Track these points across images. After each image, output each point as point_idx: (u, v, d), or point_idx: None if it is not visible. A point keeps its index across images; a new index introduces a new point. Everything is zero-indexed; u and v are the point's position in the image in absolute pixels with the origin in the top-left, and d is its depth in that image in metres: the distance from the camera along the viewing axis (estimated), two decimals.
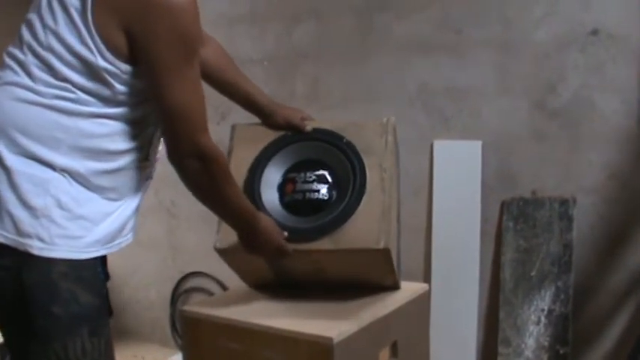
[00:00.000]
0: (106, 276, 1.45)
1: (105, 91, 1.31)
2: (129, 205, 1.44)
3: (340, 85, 2.83)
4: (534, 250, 2.41)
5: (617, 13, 2.25)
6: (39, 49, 1.30)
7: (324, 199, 1.74)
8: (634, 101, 2.24)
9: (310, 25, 2.89)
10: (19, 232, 1.27)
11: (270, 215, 1.69)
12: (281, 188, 1.79)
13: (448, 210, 2.59)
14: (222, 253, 1.72)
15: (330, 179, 1.76)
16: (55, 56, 1.28)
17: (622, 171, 2.29)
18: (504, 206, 2.49)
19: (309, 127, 1.84)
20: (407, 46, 2.66)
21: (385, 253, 1.64)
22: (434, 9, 2.58)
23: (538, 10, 2.38)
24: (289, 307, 1.75)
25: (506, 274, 2.46)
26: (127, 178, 1.42)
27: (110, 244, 1.40)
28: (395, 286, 1.87)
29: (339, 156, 1.77)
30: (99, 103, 1.32)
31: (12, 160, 1.28)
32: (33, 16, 1.33)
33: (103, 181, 1.36)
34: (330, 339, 1.47)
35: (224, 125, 2.83)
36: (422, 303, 1.94)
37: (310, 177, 1.76)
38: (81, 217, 1.32)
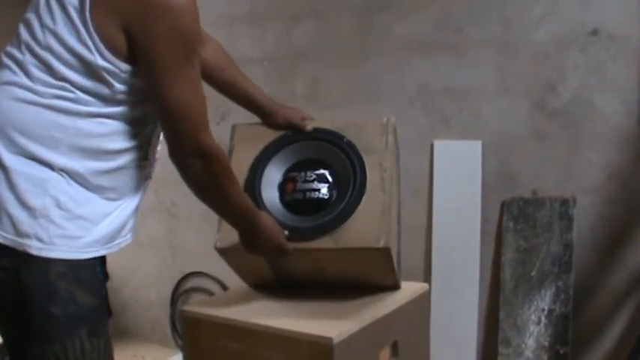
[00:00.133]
0: (106, 276, 1.45)
1: (104, 90, 1.31)
2: (128, 205, 1.44)
3: (340, 85, 2.83)
4: (534, 250, 2.41)
5: (617, 13, 2.25)
6: (37, 49, 1.29)
7: (324, 199, 1.74)
8: (634, 101, 2.24)
9: (310, 25, 2.89)
10: (18, 232, 1.26)
11: (270, 214, 1.69)
12: (281, 187, 1.79)
13: (448, 210, 2.59)
14: (223, 252, 1.72)
15: (330, 178, 1.77)
16: (54, 55, 1.28)
17: (622, 171, 2.29)
18: (504, 206, 2.49)
19: (309, 126, 1.84)
20: (407, 46, 2.66)
21: (385, 252, 1.64)
22: (434, 9, 2.58)
23: (538, 10, 2.38)
24: (289, 307, 1.75)
25: (507, 274, 2.46)
26: (127, 178, 1.42)
27: (109, 245, 1.40)
28: (395, 286, 1.87)
29: (340, 155, 1.77)
30: (98, 103, 1.31)
31: (10, 159, 1.28)
32: (31, 16, 1.33)
33: (102, 181, 1.36)
34: (331, 339, 1.47)
35: (224, 125, 2.83)
36: (422, 303, 1.94)
37: (311, 176, 1.76)
38: (80, 217, 1.32)
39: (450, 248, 2.59)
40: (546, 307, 2.37)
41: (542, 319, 2.37)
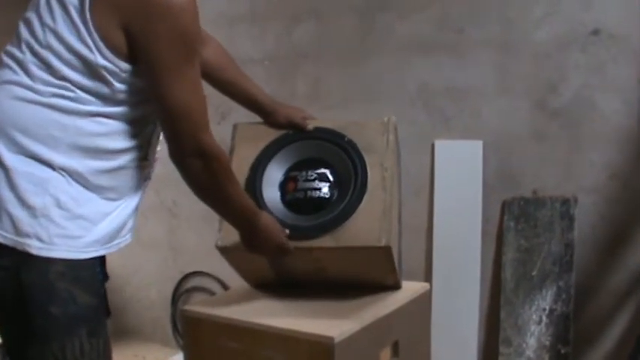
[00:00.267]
0: (105, 276, 1.45)
1: (104, 90, 1.31)
2: (128, 205, 1.44)
3: (341, 85, 2.83)
4: (535, 250, 2.41)
5: (618, 13, 2.25)
6: (37, 48, 1.29)
7: (325, 198, 1.74)
8: (635, 101, 2.24)
9: (311, 24, 2.89)
10: (18, 231, 1.26)
11: (271, 213, 1.69)
12: (282, 186, 1.79)
13: (449, 210, 2.59)
14: (224, 251, 1.72)
15: (331, 178, 1.77)
16: (54, 55, 1.28)
17: (623, 171, 2.29)
18: (505, 206, 2.49)
19: (310, 125, 1.84)
20: (407, 46, 2.66)
21: (386, 250, 1.64)
22: (434, 9, 2.58)
23: (539, 9, 2.38)
24: (290, 306, 1.75)
25: (508, 273, 2.46)
26: (127, 178, 1.42)
27: (109, 244, 1.40)
28: (396, 286, 1.87)
29: (341, 154, 1.77)
30: (98, 102, 1.31)
31: (11, 159, 1.28)
32: (31, 15, 1.33)
33: (102, 181, 1.36)
34: (331, 338, 1.47)
35: (225, 125, 2.83)
36: (423, 303, 1.94)
37: (311, 175, 1.77)
38: (80, 217, 1.32)
39: (450, 248, 2.59)
40: (547, 307, 2.37)
41: (544, 318, 2.37)
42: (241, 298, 1.83)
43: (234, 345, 1.63)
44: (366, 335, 1.60)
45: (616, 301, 2.33)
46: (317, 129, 1.84)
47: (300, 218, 1.73)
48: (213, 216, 1.60)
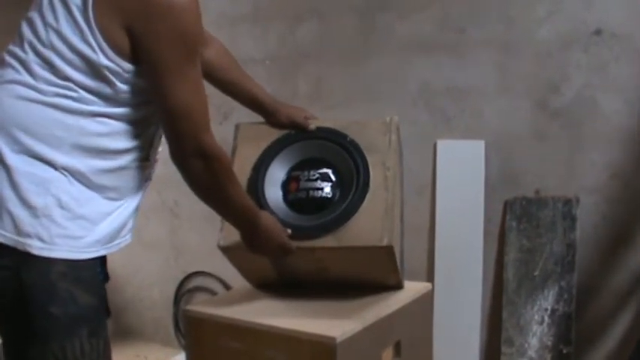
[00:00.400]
0: (106, 277, 1.45)
1: (107, 90, 1.31)
2: (129, 205, 1.44)
3: (342, 85, 2.83)
4: (537, 250, 2.41)
5: (620, 12, 2.25)
6: (40, 47, 1.29)
7: (327, 197, 1.74)
8: (637, 101, 2.24)
9: (312, 24, 2.89)
10: (19, 231, 1.26)
11: (273, 213, 1.69)
12: (285, 186, 1.79)
13: (451, 209, 2.59)
14: (226, 250, 1.72)
15: (333, 177, 1.77)
16: (57, 54, 1.28)
17: (624, 171, 2.29)
18: (507, 206, 2.49)
19: (312, 125, 1.84)
20: (409, 45, 2.66)
21: (388, 250, 1.64)
22: (435, 9, 2.58)
23: (541, 9, 2.38)
24: (292, 306, 1.75)
25: (510, 273, 2.46)
26: (128, 178, 1.42)
27: (110, 245, 1.40)
28: (398, 286, 1.87)
29: (343, 154, 1.77)
30: (101, 102, 1.31)
31: (13, 158, 1.28)
32: (34, 14, 1.33)
33: (105, 180, 1.36)
34: (333, 338, 1.47)
35: (227, 125, 2.83)
36: (425, 302, 1.94)
37: (314, 175, 1.77)
38: (81, 217, 1.32)
39: (452, 248, 2.59)
40: (549, 307, 2.37)
41: (546, 318, 2.37)
42: (243, 298, 1.83)
43: (237, 345, 1.63)
44: (368, 335, 1.59)
45: (618, 301, 2.33)
46: (319, 129, 1.84)
47: (303, 218, 1.72)
48: (215, 216, 1.60)
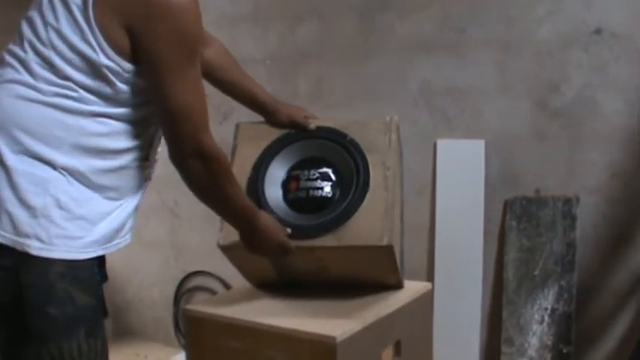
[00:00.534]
0: (104, 277, 1.45)
1: (107, 90, 1.31)
2: (128, 205, 1.44)
3: (343, 85, 2.83)
4: (537, 250, 2.41)
5: (620, 12, 2.25)
6: (40, 47, 1.29)
7: (327, 197, 1.74)
8: (637, 101, 2.24)
9: (312, 24, 2.89)
10: (18, 231, 1.26)
11: (273, 213, 1.69)
12: (285, 186, 1.79)
13: (451, 209, 2.59)
14: (226, 250, 1.72)
15: (333, 177, 1.77)
16: (57, 54, 1.28)
17: (625, 170, 2.28)
18: (507, 205, 2.49)
19: (312, 125, 1.84)
20: (409, 45, 2.66)
21: (388, 250, 1.64)
22: (435, 8, 2.58)
23: (541, 9, 2.38)
24: (292, 306, 1.75)
25: (510, 273, 2.46)
26: (128, 178, 1.42)
27: (108, 245, 1.40)
28: (398, 285, 1.87)
29: (343, 154, 1.77)
30: (101, 102, 1.31)
31: (12, 158, 1.28)
32: (34, 14, 1.33)
33: (104, 180, 1.36)
34: (333, 338, 1.47)
35: (227, 124, 2.83)
36: (425, 302, 1.94)
37: (314, 175, 1.77)
38: (80, 218, 1.32)
39: (452, 247, 2.59)
40: (549, 307, 2.37)
41: (546, 318, 2.37)
42: (243, 298, 1.83)
43: (237, 344, 1.64)
44: (368, 335, 1.60)
45: (618, 300, 2.33)
46: (319, 128, 1.84)
47: (303, 217, 1.73)
48: (215, 216, 1.60)
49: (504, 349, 2.44)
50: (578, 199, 2.35)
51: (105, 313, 1.42)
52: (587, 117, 2.33)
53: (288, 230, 1.66)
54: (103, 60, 1.27)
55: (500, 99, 2.48)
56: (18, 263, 1.27)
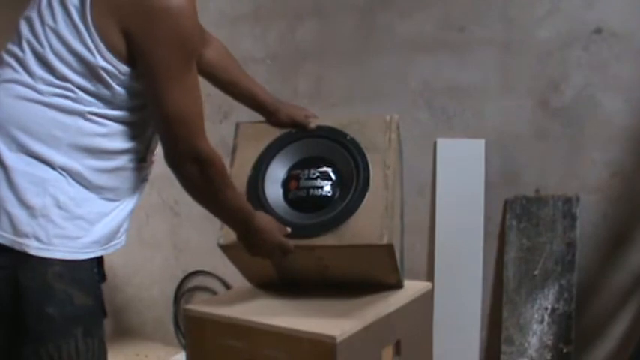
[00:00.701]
0: (103, 277, 1.45)
1: (104, 92, 1.31)
2: (125, 206, 1.44)
3: (343, 84, 2.83)
4: (537, 249, 2.41)
5: (620, 11, 2.24)
6: (38, 47, 1.29)
7: (327, 196, 1.74)
8: (637, 100, 2.24)
9: (313, 23, 2.89)
10: (17, 231, 1.26)
11: (273, 212, 1.70)
12: (285, 185, 1.79)
13: (451, 208, 2.59)
14: (226, 249, 1.73)
15: (333, 176, 1.77)
16: (55, 55, 1.28)
17: (625, 170, 2.28)
18: (507, 205, 2.49)
19: (312, 124, 1.84)
20: (409, 44, 2.65)
21: (388, 248, 1.64)
22: (436, 8, 2.58)
23: (541, 8, 2.38)
24: (292, 305, 1.75)
25: (510, 272, 2.46)
26: (125, 179, 1.42)
27: (106, 245, 1.40)
28: (398, 285, 1.87)
29: (343, 153, 1.77)
30: (99, 103, 1.31)
31: (11, 158, 1.28)
32: (33, 14, 1.33)
33: (102, 181, 1.36)
34: (334, 337, 1.47)
35: (227, 124, 2.83)
36: (425, 301, 1.94)
37: (314, 174, 1.77)
38: (79, 218, 1.32)
39: (453, 247, 2.59)
40: (549, 306, 2.37)
41: (546, 317, 2.37)
42: (243, 297, 1.83)
43: (237, 344, 1.64)
44: (368, 334, 1.60)
45: (618, 299, 2.33)
46: (319, 127, 1.84)
47: (303, 216, 1.73)
48: None
49: (504, 348, 2.44)
50: (578, 199, 2.35)
51: (104, 313, 1.42)
52: (587, 116, 2.32)
53: (288, 229, 1.66)
54: (100, 62, 1.27)
55: (501, 98, 2.48)
56: (16, 263, 1.27)
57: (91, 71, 1.28)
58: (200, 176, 1.38)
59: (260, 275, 1.90)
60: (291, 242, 1.65)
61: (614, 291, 2.33)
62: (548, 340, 2.36)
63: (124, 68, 1.30)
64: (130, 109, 1.36)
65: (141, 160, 1.45)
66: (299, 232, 1.67)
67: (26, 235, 1.26)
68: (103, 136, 1.34)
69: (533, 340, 2.38)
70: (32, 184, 1.27)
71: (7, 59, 1.33)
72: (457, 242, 2.57)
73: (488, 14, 2.47)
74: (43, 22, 1.30)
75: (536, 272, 2.40)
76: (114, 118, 1.34)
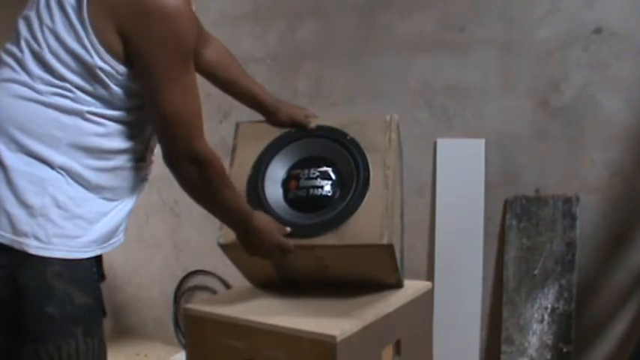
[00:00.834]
0: (102, 276, 1.45)
1: (102, 92, 1.31)
2: (124, 206, 1.44)
3: (343, 84, 2.83)
4: (537, 249, 2.41)
5: (620, 11, 2.24)
6: (36, 47, 1.29)
7: (327, 196, 1.74)
8: (637, 99, 2.24)
9: (313, 23, 2.89)
10: (16, 231, 1.26)
11: (273, 211, 1.70)
12: (285, 185, 1.79)
13: (451, 208, 2.59)
14: (226, 248, 1.73)
15: (333, 176, 1.77)
16: (53, 55, 1.28)
17: (625, 169, 2.28)
18: (507, 204, 2.49)
19: (312, 124, 1.84)
20: (409, 44, 2.65)
21: (388, 248, 1.64)
22: (436, 7, 2.58)
23: (541, 8, 2.38)
24: (292, 305, 1.75)
25: (510, 272, 2.46)
26: (124, 178, 1.42)
27: (105, 244, 1.40)
28: (398, 285, 1.87)
29: (343, 153, 1.77)
30: (97, 103, 1.31)
31: (10, 158, 1.28)
32: (31, 14, 1.33)
33: (101, 180, 1.36)
34: (334, 337, 1.47)
35: (227, 123, 2.83)
36: (425, 301, 1.94)
37: (314, 174, 1.77)
38: (78, 217, 1.32)
39: (452, 246, 2.59)
40: (549, 306, 2.37)
41: (546, 317, 2.37)
42: (243, 297, 1.83)
43: (237, 344, 1.64)
44: (368, 334, 1.60)
45: (618, 299, 2.33)
46: (319, 127, 1.84)
47: (303, 216, 1.73)
48: None
49: (504, 348, 2.44)
50: (578, 199, 2.35)
51: (104, 312, 1.42)
52: (588, 116, 2.32)
53: (288, 229, 1.66)
54: (97, 62, 1.27)
55: (501, 98, 2.48)
56: (16, 262, 1.27)
57: (88, 71, 1.28)
58: (198, 176, 1.38)
59: (260, 275, 1.90)
60: (291, 242, 1.65)
61: (614, 291, 2.33)
62: (548, 340, 2.36)
63: (122, 68, 1.30)
64: (128, 109, 1.36)
65: (140, 160, 1.45)
66: (299, 231, 1.67)
67: (25, 235, 1.26)
68: (102, 135, 1.34)
69: (533, 340, 2.38)
70: (31, 184, 1.27)
71: (5, 59, 1.34)
72: (457, 242, 2.57)
73: (488, 14, 2.47)
74: (41, 22, 1.30)
75: (536, 272, 2.40)
76: (112, 117, 1.34)
